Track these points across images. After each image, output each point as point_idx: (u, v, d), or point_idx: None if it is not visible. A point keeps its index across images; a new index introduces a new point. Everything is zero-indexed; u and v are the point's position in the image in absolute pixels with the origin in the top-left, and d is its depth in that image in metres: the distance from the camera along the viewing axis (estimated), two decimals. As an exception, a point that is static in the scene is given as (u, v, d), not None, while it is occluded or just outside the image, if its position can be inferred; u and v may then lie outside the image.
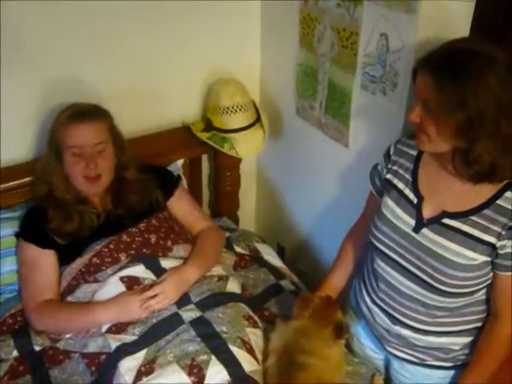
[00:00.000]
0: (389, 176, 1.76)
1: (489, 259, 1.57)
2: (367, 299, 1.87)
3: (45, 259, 1.95)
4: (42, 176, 2.04)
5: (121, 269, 1.93)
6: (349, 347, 2.02)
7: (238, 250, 2.36)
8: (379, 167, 1.83)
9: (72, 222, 1.97)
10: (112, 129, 2.05)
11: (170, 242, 2.05)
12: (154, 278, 1.92)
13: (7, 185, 2.12)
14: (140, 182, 2.10)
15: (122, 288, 1.88)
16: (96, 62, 2.24)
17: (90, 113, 1.99)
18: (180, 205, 2.21)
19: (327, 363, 1.75)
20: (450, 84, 1.41)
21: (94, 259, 1.95)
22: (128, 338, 1.78)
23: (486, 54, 1.42)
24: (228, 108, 2.37)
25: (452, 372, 1.80)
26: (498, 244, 1.53)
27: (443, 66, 1.44)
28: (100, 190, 2.03)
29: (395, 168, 1.75)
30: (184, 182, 2.43)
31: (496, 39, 1.76)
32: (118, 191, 2.08)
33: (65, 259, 1.98)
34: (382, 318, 1.81)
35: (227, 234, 2.41)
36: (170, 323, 1.81)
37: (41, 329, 1.90)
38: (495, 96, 1.40)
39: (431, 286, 1.64)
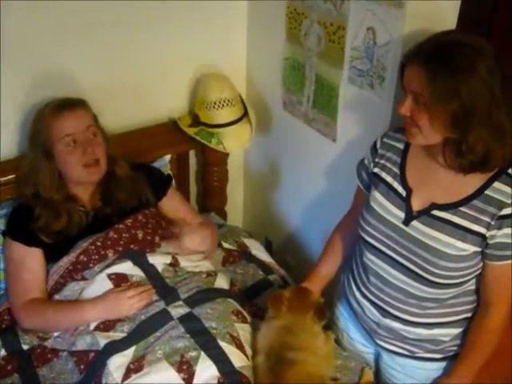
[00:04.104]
0: (376, 170, 1.77)
1: (479, 249, 1.58)
2: (357, 293, 1.87)
3: (31, 257, 1.94)
4: (26, 177, 2.01)
5: (108, 266, 1.92)
6: (338, 342, 2.02)
7: (226, 245, 2.36)
8: (366, 161, 1.84)
9: (60, 221, 1.95)
10: (95, 118, 2.04)
11: (157, 238, 2.04)
12: (141, 274, 1.91)
13: (-6, 181, 2.10)
14: (130, 179, 2.10)
15: (109, 285, 1.87)
16: (81, 56, 2.22)
17: (72, 102, 1.99)
18: (172, 204, 2.21)
19: (316, 357, 1.75)
20: (442, 75, 1.42)
21: (81, 257, 1.94)
22: (117, 335, 1.77)
23: (474, 45, 1.44)
24: (215, 103, 2.36)
25: (443, 363, 1.82)
26: (488, 234, 1.55)
27: (433, 57, 1.45)
28: (100, 176, 2.01)
29: (382, 162, 1.76)
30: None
31: (483, 32, 1.77)
32: (108, 188, 2.06)
33: (52, 257, 1.97)
34: (371, 312, 1.82)
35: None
36: (159, 320, 1.80)
37: (28, 327, 1.89)
38: (486, 85, 1.42)
39: (422, 277, 1.65)
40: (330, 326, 2.05)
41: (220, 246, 2.34)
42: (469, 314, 1.74)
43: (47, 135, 1.95)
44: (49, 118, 1.95)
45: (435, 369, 1.83)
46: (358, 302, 1.87)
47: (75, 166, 1.95)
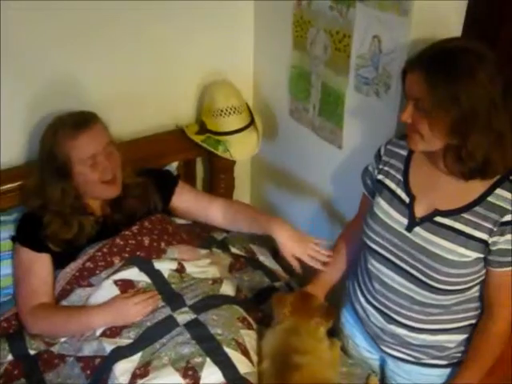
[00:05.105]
0: (380, 177, 1.78)
1: (481, 256, 1.58)
2: (362, 299, 1.87)
3: (40, 263, 1.95)
4: (34, 191, 2.01)
5: (115, 272, 1.92)
6: (344, 349, 2.03)
7: (234, 250, 2.37)
8: (370, 168, 1.84)
9: (70, 230, 1.96)
10: (106, 128, 2.03)
11: (163, 244, 2.05)
12: (148, 280, 1.91)
13: (4, 187, 2.11)
14: (138, 186, 2.11)
15: (116, 291, 1.88)
16: (88, 65, 2.24)
17: (87, 120, 1.96)
18: (184, 197, 2.21)
19: (321, 360, 1.76)
20: (442, 81, 1.43)
21: (88, 263, 1.95)
22: (123, 341, 1.77)
23: (474, 51, 1.45)
24: (222, 110, 2.37)
25: (447, 370, 1.81)
26: (490, 240, 1.55)
27: (434, 64, 1.46)
28: (119, 191, 2.02)
29: (386, 168, 1.77)
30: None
31: (488, 40, 1.77)
32: (118, 195, 2.06)
33: (59, 264, 1.98)
34: (376, 318, 1.82)
35: (224, 235, 2.42)
36: (165, 326, 1.80)
37: (35, 332, 1.90)
38: (486, 91, 1.42)
39: (425, 283, 1.65)
40: (337, 332, 2.05)
41: (228, 251, 2.35)
42: (473, 321, 1.74)
43: (66, 157, 1.92)
44: (66, 140, 1.91)
45: (440, 375, 1.82)
46: (363, 308, 1.87)
47: (95, 184, 1.96)
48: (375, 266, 1.77)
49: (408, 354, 1.81)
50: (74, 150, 1.91)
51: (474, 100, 1.42)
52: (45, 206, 1.98)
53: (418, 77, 1.48)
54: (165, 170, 2.38)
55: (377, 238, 1.74)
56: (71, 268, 1.96)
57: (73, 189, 1.98)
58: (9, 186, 2.12)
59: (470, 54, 1.44)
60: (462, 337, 1.76)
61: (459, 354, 1.78)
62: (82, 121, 1.95)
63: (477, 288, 1.68)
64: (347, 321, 2.02)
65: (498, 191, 1.54)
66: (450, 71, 1.43)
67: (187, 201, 2.22)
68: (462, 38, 1.75)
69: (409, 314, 1.73)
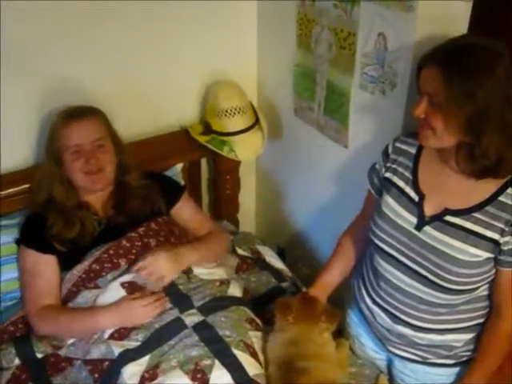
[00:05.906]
0: (388, 174, 1.76)
1: (492, 256, 1.57)
2: (367, 299, 1.86)
3: (45, 264, 1.95)
4: (41, 183, 2.04)
5: (121, 274, 1.92)
6: (351, 349, 2.01)
7: (240, 252, 2.37)
8: (377, 166, 1.83)
9: (73, 229, 1.96)
10: (108, 126, 2.06)
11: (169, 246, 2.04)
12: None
13: (6, 192, 2.12)
14: (143, 187, 2.11)
15: (122, 293, 1.87)
16: (92, 67, 2.24)
17: (83, 111, 2.01)
18: (184, 211, 2.22)
19: (327, 363, 1.75)
20: (459, 77, 1.42)
21: (94, 265, 1.95)
22: (131, 344, 1.76)
23: (492, 48, 1.44)
24: (226, 111, 2.37)
25: (455, 369, 1.81)
26: (502, 240, 1.54)
27: (451, 60, 1.45)
28: (104, 184, 2.03)
29: (394, 166, 1.75)
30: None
31: (494, 37, 1.75)
32: (121, 196, 2.07)
33: (65, 265, 1.98)
34: (382, 318, 1.81)
35: (230, 237, 2.41)
36: (173, 328, 1.79)
37: (43, 333, 1.89)
38: (503, 89, 1.41)
39: (434, 283, 1.63)
40: (343, 332, 2.04)
41: (234, 252, 2.34)
42: (481, 320, 1.73)
43: (58, 144, 1.99)
44: (59, 127, 1.99)
45: (448, 374, 1.82)
46: (369, 309, 1.86)
47: (77, 173, 1.98)
48: (382, 265, 1.76)
49: (415, 354, 1.80)
50: (62, 137, 1.98)
51: (490, 97, 1.41)
52: (49, 201, 2.00)
53: (433, 72, 1.47)
54: (172, 178, 2.37)
55: (385, 237, 1.72)
56: (77, 270, 1.96)
57: (66, 178, 2.01)
58: (10, 190, 2.13)
59: (488, 50, 1.43)
60: (469, 336, 1.75)
61: (467, 353, 1.78)
62: (78, 112, 2.01)
63: (485, 287, 1.67)
64: (352, 321, 2.02)
65: (510, 191, 1.53)
66: (467, 67, 1.42)
67: (185, 214, 2.22)
68: (477, 35, 1.73)
69: (416, 313, 1.72)
